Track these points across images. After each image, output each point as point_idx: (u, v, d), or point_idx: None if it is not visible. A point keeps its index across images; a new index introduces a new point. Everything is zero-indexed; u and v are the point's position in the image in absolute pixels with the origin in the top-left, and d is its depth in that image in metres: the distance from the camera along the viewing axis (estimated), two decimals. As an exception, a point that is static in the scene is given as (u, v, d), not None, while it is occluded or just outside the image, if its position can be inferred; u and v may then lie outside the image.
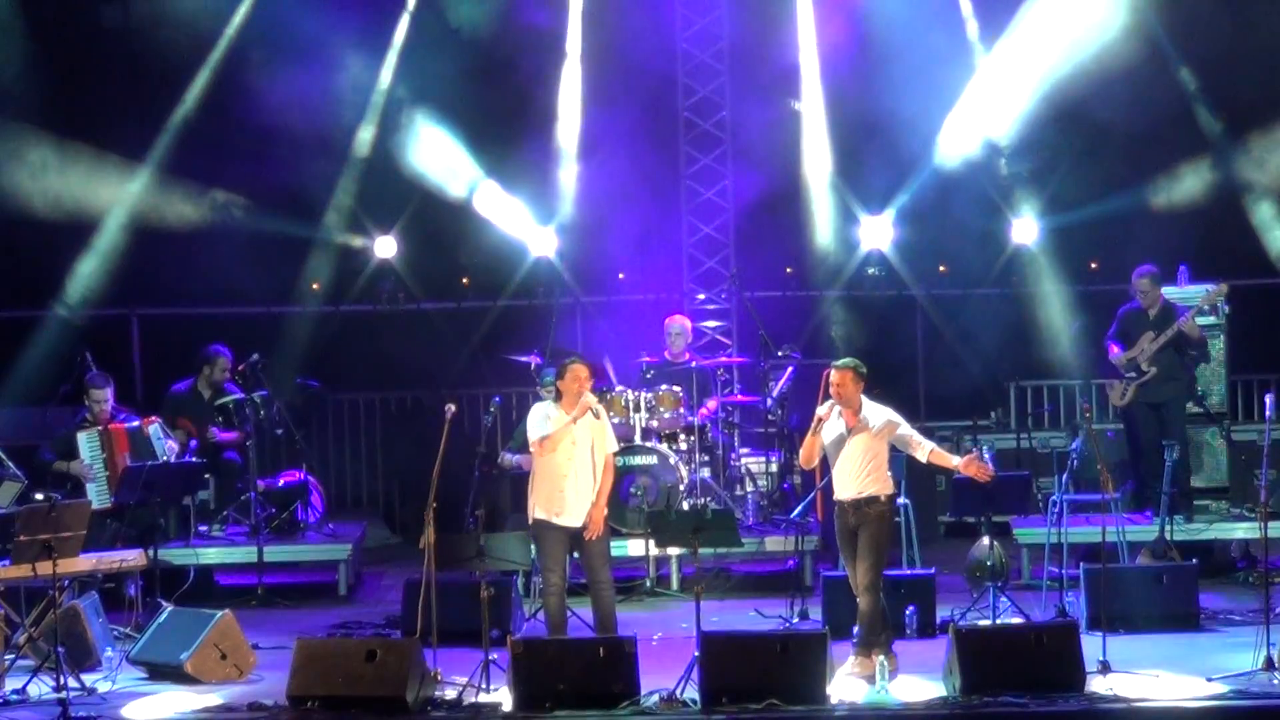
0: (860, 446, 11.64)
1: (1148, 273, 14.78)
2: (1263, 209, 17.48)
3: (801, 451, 11.90)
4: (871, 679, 11.14)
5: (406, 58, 17.73)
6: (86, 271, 17.36)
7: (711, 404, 15.40)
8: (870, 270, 18.62)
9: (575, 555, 12.00)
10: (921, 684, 11.22)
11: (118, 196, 17.36)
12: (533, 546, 12.60)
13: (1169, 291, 15.04)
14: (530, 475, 11.96)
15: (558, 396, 11.89)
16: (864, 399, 11.72)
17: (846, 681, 11.24)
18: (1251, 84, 17.46)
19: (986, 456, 14.24)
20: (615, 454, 12.16)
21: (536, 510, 11.84)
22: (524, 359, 15.44)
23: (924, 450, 11.74)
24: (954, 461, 11.80)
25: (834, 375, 11.67)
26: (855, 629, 11.67)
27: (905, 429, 11.75)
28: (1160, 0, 17.08)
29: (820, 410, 11.72)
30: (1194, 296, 15.03)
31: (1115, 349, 14.81)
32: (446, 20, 17.53)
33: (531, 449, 11.94)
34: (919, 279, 18.68)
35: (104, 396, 14.37)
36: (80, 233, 17.29)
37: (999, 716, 10.57)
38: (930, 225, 18.18)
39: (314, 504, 15.61)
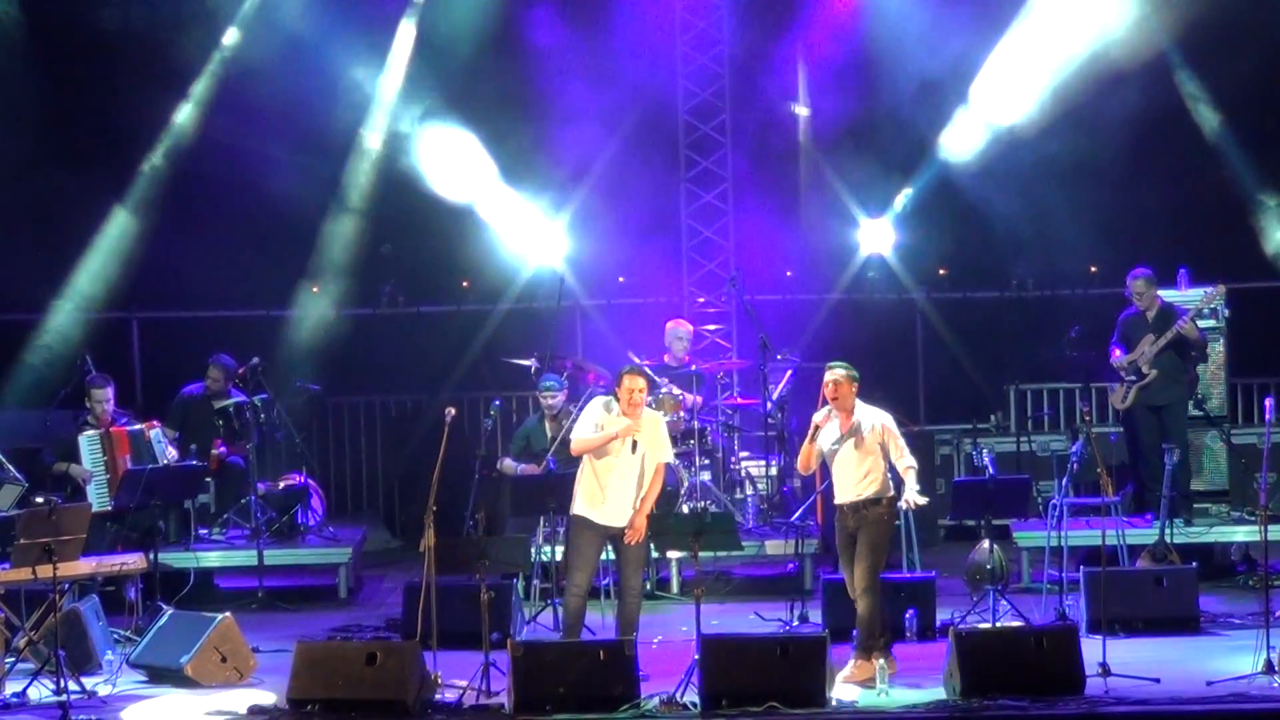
0: (859, 450, 11.65)
1: (1142, 275, 14.78)
2: (1263, 211, 17.50)
3: (799, 459, 11.90)
4: (871, 682, 11.15)
5: (409, 61, 17.74)
6: (87, 274, 17.39)
7: (695, 399, 15.34)
8: (870, 273, 18.63)
9: (612, 558, 11.93)
10: (921, 687, 11.22)
11: (117, 199, 17.37)
12: (533, 550, 12.64)
13: (1169, 294, 15.04)
14: (579, 468, 11.88)
15: (617, 398, 11.78)
16: (858, 402, 11.73)
17: (846, 684, 11.24)
18: (1252, 85, 17.48)
19: (986, 460, 14.26)
20: (665, 463, 12.00)
21: (577, 503, 11.75)
22: (522, 362, 15.43)
23: (902, 465, 11.72)
24: (908, 488, 11.69)
25: (828, 378, 11.69)
26: (855, 632, 11.67)
27: (896, 434, 11.75)
28: (1160, 0, 17.11)
29: (816, 417, 11.74)
30: (1194, 299, 15.04)
31: (1118, 352, 14.81)
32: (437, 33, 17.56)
33: (570, 446, 11.89)
34: (919, 282, 18.69)
35: (105, 397, 14.39)
36: (81, 235, 17.31)
37: (998, 719, 10.58)
38: (930, 228, 18.19)
39: (314, 507, 15.60)
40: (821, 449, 11.73)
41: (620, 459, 11.68)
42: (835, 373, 11.69)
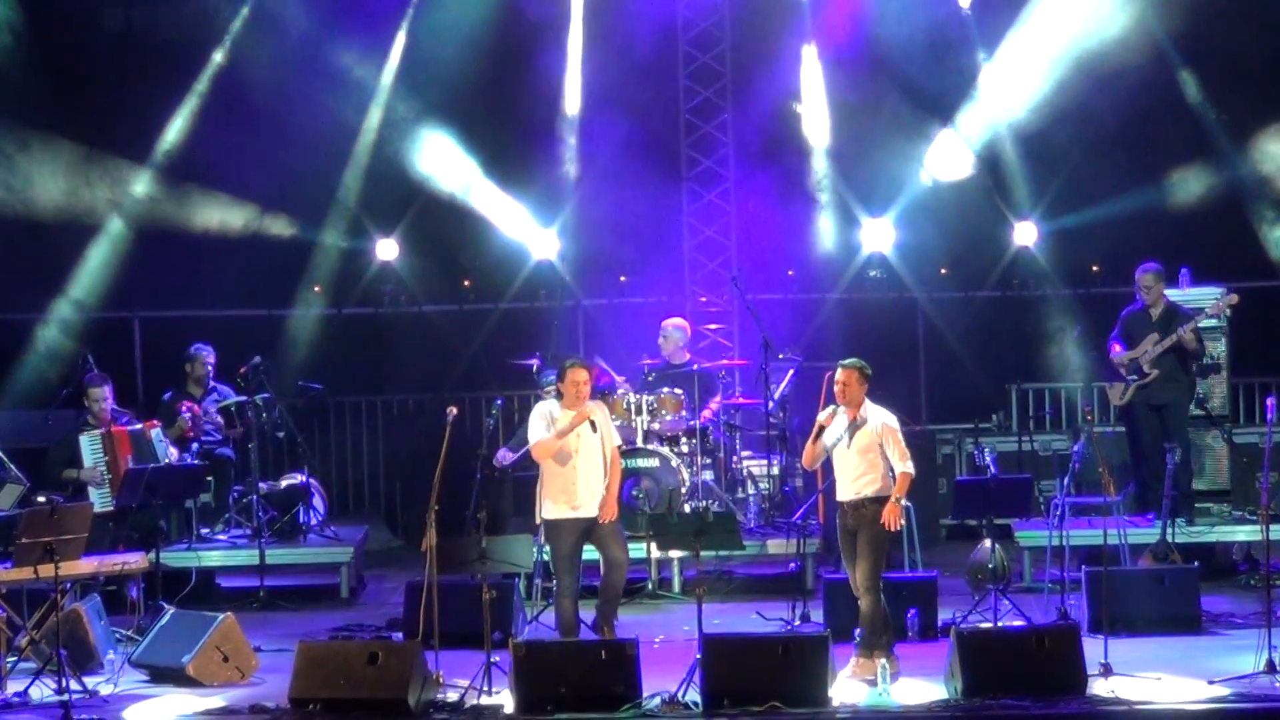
0: (859, 448, 11.65)
1: (1151, 269, 14.74)
2: (1264, 211, 17.50)
3: (804, 455, 11.95)
4: (873, 681, 11.16)
5: (409, 60, 17.75)
6: (88, 274, 17.39)
7: (714, 404, 15.39)
8: (872, 273, 18.63)
9: (588, 545, 11.98)
10: (923, 686, 11.22)
11: (119, 198, 17.38)
12: (535, 549, 12.63)
13: (1171, 294, 15.03)
14: (539, 473, 11.96)
15: (559, 396, 11.94)
16: (867, 401, 11.74)
17: (848, 684, 11.24)
18: (1253, 85, 17.48)
19: (988, 459, 14.26)
20: (619, 449, 12.23)
21: (547, 508, 11.85)
22: (526, 362, 15.44)
23: (899, 469, 11.69)
24: (893, 495, 11.63)
25: (839, 374, 11.71)
26: (857, 631, 11.67)
27: (898, 436, 11.74)
28: (1162, 0, 17.11)
29: (821, 416, 11.76)
30: (1197, 299, 15.02)
31: (1117, 348, 14.79)
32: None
33: (531, 452, 11.98)
34: (920, 281, 18.69)
35: (102, 395, 14.38)
36: (82, 235, 17.31)
37: (1000, 719, 10.58)
38: (932, 227, 18.18)
39: (316, 507, 15.60)
40: (826, 446, 11.74)
41: (580, 453, 11.82)
42: (845, 368, 11.71)
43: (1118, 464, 14.86)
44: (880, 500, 11.60)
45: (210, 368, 15.33)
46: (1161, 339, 14.56)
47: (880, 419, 11.72)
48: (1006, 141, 17.72)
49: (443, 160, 17.76)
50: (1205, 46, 17.37)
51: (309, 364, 17.51)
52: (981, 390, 18.07)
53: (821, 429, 11.71)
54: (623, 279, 18.80)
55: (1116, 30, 16.96)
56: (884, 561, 11.73)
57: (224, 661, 11.82)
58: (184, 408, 15.02)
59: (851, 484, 11.67)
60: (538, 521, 12.00)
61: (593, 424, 11.82)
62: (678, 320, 15.80)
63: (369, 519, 17.51)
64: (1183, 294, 15.18)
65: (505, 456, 14.69)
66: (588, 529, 11.86)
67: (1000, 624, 12.33)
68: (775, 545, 14.59)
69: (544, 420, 11.90)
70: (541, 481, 11.95)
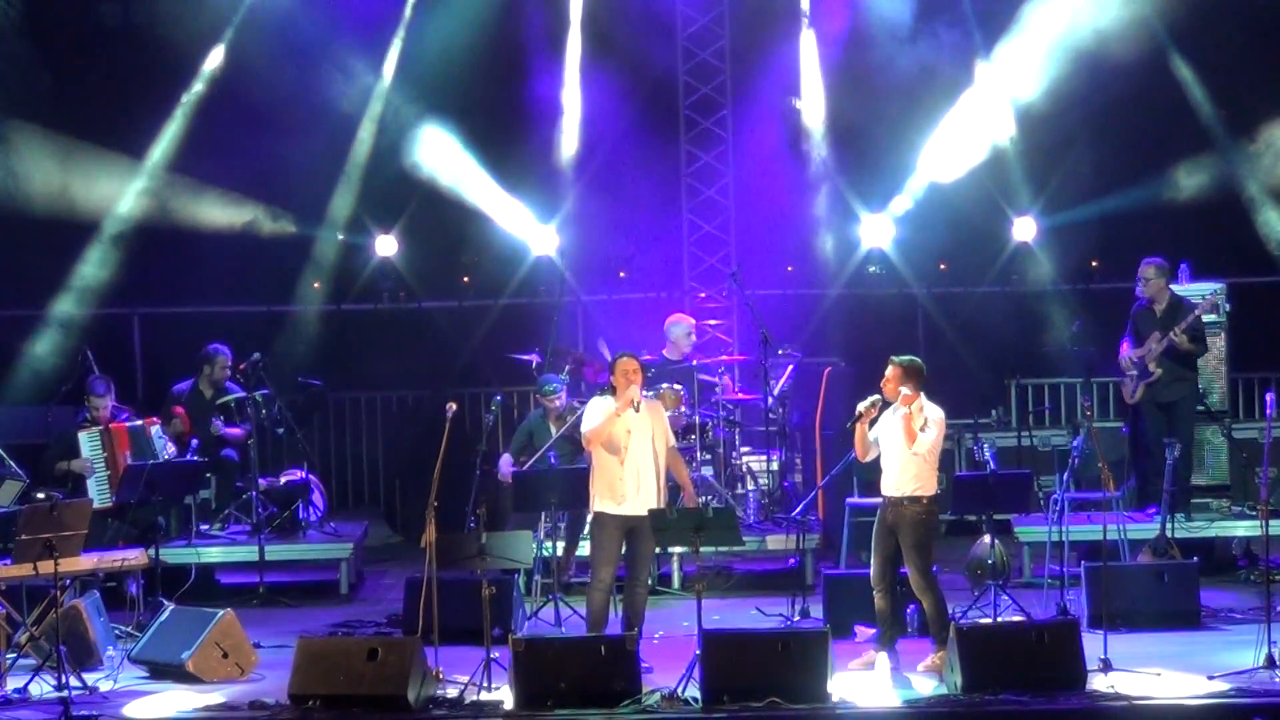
0: (902, 444, 11.66)
1: (1153, 263, 14.70)
2: (1264, 206, 17.49)
3: (855, 444, 11.98)
4: (899, 668, 11.24)
5: (408, 56, 17.74)
6: (87, 270, 17.39)
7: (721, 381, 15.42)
8: (871, 268, 18.62)
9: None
10: (923, 682, 11.24)
11: (119, 195, 17.38)
12: (535, 545, 12.63)
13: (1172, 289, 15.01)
14: (590, 467, 11.98)
15: (614, 391, 11.91)
16: (922, 398, 11.74)
17: (847, 679, 11.22)
18: (1253, 79, 17.47)
19: (987, 455, 14.27)
20: (671, 447, 12.16)
21: (597, 501, 11.88)
22: (525, 358, 15.44)
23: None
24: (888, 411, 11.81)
25: (888, 368, 11.75)
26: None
27: (932, 428, 11.74)
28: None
29: (861, 406, 11.76)
30: (1197, 295, 15.01)
31: (1125, 347, 14.77)
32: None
33: (584, 442, 11.99)
34: (920, 277, 18.68)
35: (104, 404, 14.40)
36: (81, 231, 17.30)
37: (1000, 714, 10.58)
38: (931, 223, 18.18)
39: (315, 503, 15.60)
40: (876, 439, 11.81)
41: (630, 449, 11.78)
42: (891, 363, 11.82)
43: (1117, 459, 14.86)
44: (918, 500, 11.62)
45: (229, 372, 15.27)
46: (1163, 337, 14.54)
47: (933, 416, 11.75)
48: (1006, 137, 17.69)
49: (442, 156, 17.74)
50: (1204, 39, 17.35)
51: (308, 360, 17.51)
52: (981, 385, 18.06)
53: (859, 415, 11.72)
54: (622, 274, 18.81)
55: (1114, 23, 16.94)
56: (930, 560, 11.75)
57: (223, 658, 11.83)
58: (177, 411, 14.99)
59: (896, 479, 11.72)
60: (590, 513, 12.01)
61: (636, 406, 11.76)
62: (691, 320, 15.73)
63: (368, 515, 17.49)
64: (1182, 289, 15.16)
65: (506, 468, 14.52)
66: (632, 528, 11.84)
67: (1000, 619, 12.33)
68: (775, 541, 14.59)
69: (597, 410, 11.87)
70: (592, 477, 11.96)
